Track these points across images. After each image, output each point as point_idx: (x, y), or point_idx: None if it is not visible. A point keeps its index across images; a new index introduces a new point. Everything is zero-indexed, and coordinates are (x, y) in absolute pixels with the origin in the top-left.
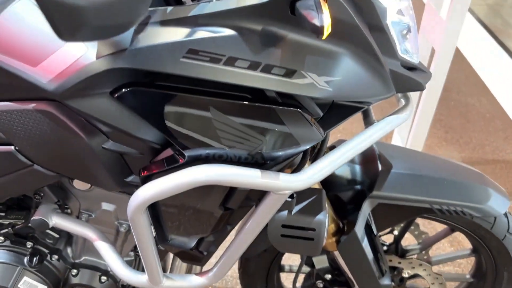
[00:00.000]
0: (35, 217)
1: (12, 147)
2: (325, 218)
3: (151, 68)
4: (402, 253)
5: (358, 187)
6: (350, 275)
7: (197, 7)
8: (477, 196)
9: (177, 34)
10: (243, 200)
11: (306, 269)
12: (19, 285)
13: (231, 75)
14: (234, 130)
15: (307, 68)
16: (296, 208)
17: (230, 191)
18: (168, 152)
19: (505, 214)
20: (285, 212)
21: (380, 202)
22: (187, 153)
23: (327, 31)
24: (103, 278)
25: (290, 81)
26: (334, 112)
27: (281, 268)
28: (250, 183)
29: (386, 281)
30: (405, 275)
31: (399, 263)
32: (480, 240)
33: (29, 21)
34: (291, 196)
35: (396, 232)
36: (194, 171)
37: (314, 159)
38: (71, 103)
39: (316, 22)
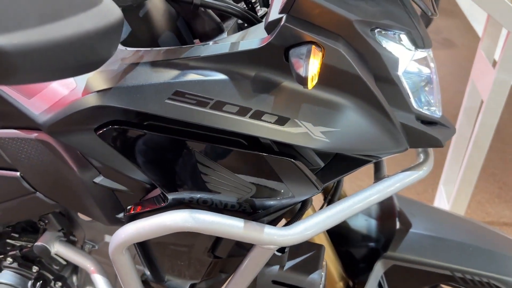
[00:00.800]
0: (38, 243)
1: (18, 173)
2: (320, 278)
3: (134, 107)
4: None
5: (372, 244)
6: None
7: (190, 50)
8: (508, 267)
9: (165, 75)
10: (233, 249)
11: None
12: None
13: (217, 119)
14: (220, 176)
15: (301, 117)
16: (290, 264)
17: (218, 238)
18: (156, 192)
19: None
20: (277, 267)
21: (395, 263)
22: (170, 196)
23: (311, 81)
24: None
25: (281, 129)
26: (338, 163)
27: None
28: (231, 233)
29: None
30: None
31: None
32: None
33: None
34: (282, 251)
35: None
36: (172, 216)
37: (329, 204)
38: (58, 137)
39: (301, 71)
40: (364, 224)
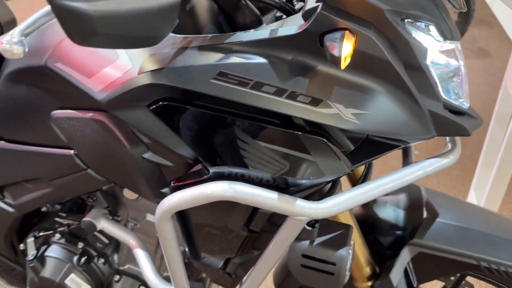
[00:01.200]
0: (86, 218)
1: (72, 151)
2: (348, 255)
3: (183, 86)
4: None
5: (399, 232)
6: None
7: (233, 36)
8: None
9: (211, 57)
10: (266, 224)
11: None
12: (66, 281)
13: (256, 98)
14: (257, 152)
15: (333, 99)
16: (319, 239)
17: (253, 212)
18: (198, 167)
19: None
20: (307, 242)
21: (421, 251)
22: (212, 170)
23: (344, 61)
24: None
25: (314, 109)
26: (367, 147)
27: None
28: (266, 204)
29: None
30: None
31: None
32: None
33: None
34: (312, 226)
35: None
36: (213, 186)
37: None
38: (115, 112)
39: (335, 52)
40: (392, 214)
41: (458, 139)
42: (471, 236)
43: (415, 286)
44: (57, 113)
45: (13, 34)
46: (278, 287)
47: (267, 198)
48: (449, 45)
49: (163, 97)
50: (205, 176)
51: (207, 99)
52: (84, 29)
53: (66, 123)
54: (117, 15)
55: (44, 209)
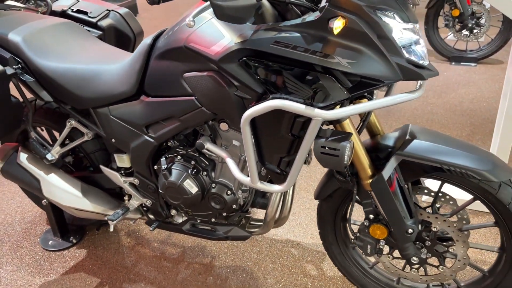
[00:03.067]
0: (198, 141)
1: (193, 97)
2: (347, 145)
3: (257, 48)
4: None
5: (390, 150)
6: (383, 213)
7: (282, 23)
8: (481, 165)
9: (271, 33)
10: (302, 132)
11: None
12: (184, 184)
13: (294, 54)
14: (295, 84)
15: (336, 54)
16: (331, 138)
17: (293, 122)
18: (263, 97)
19: (510, 184)
20: (324, 139)
21: (404, 159)
22: (271, 96)
23: (335, 30)
24: (229, 192)
25: (325, 59)
26: (359, 85)
27: (346, 220)
28: (298, 110)
29: (411, 222)
30: (434, 229)
31: (428, 217)
32: (493, 206)
33: (206, 26)
34: (326, 128)
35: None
36: (272, 101)
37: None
38: (223, 66)
39: (333, 26)
40: (390, 141)
41: (424, 84)
42: (438, 150)
43: (402, 185)
44: (187, 74)
45: (189, 17)
46: (317, 197)
47: (300, 107)
48: (408, 25)
49: (246, 55)
50: (268, 99)
51: (270, 56)
52: (221, 12)
53: (192, 79)
54: (233, 7)
55: (169, 143)
